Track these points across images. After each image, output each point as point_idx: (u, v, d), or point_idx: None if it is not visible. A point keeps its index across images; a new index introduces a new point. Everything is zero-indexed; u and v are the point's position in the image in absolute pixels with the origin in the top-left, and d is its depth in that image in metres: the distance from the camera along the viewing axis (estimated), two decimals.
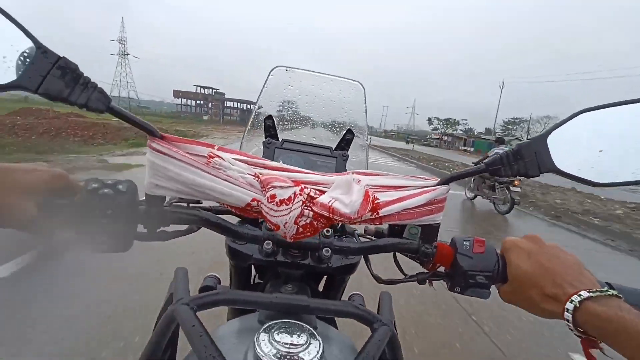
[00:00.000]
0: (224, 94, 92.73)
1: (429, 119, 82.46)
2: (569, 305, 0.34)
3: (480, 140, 51.00)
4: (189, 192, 0.38)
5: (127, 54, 75.06)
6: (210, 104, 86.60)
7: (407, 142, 48.81)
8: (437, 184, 0.43)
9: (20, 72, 0.31)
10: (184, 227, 0.45)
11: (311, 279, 0.57)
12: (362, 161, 0.77)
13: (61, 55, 0.32)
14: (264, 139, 0.70)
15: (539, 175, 0.39)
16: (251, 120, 0.78)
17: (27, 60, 0.31)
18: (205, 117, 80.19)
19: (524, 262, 0.40)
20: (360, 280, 0.56)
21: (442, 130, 72.05)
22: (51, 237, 0.36)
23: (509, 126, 70.52)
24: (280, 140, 0.71)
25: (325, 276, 0.61)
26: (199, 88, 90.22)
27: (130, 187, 0.39)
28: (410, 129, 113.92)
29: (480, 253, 0.42)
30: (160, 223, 0.41)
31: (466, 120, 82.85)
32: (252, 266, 0.62)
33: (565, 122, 0.39)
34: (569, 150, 0.38)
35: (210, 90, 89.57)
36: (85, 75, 0.33)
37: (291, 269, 0.51)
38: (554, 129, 0.39)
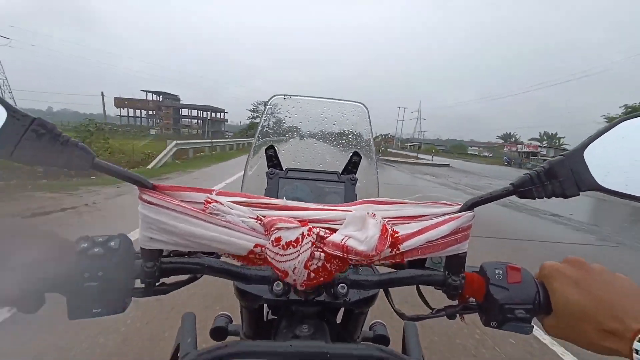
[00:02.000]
0: (178, 99, 69.21)
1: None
2: (638, 345, 0.30)
3: None
4: (186, 244, 0.36)
5: None
6: (162, 114, 63.52)
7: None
8: (461, 210, 0.40)
9: None
10: (185, 276, 0.43)
11: (328, 312, 0.54)
12: (372, 184, 0.75)
13: (35, 117, 0.30)
14: (266, 170, 0.69)
15: (578, 195, 0.36)
16: (252, 151, 0.77)
17: None
18: (152, 132, 57.34)
19: (571, 292, 0.35)
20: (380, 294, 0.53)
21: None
22: (39, 307, 0.34)
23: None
24: (284, 169, 0.70)
25: (343, 308, 0.59)
26: (148, 94, 66.59)
27: (123, 242, 0.37)
28: (419, 137, 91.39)
29: (516, 283, 0.39)
30: (159, 277, 0.39)
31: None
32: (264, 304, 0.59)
33: (603, 133, 0.35)
34: (612, 164, 0.34)
35: (159, 96, 66.01)
36: (64, 133, 0.31)
37: (305, 306, 0.48)
38: (591, 141, 0.35)
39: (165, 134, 52.57)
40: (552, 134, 71.54)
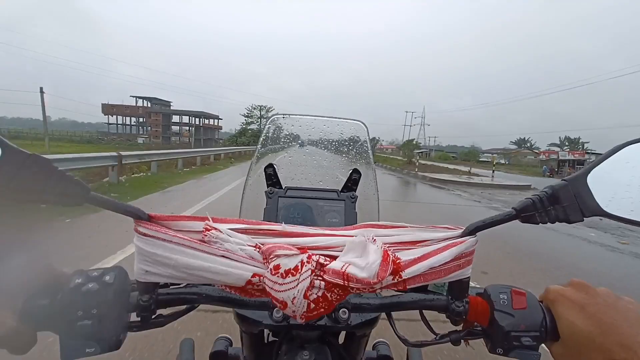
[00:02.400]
0: (169, 105, 64.64)
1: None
2: None
3: None
4: (182, 277, 0.35)
5: None
6: (149, 121, 58.78)
7: None
8: (463, 235, 0.39)
9: None
10: (183, 306, 0.42)
11: (330, 335, 0.54)
12: (372, 201, 0.76)
13: (30, 152, 0.30)
14: (266, 189, 0.70)
15: (582, 220, 0.35)
16: (251, 170, 0.77)
17: None
18: (140, 140, 52.81)
19: (577, 318, 0.34)
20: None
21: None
22: (30, 347, 0.33)
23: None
24: (283, 188, 0.70)
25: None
26: (138, 100, 62.15)
27: (118, 275, 0.36)
28: (426, 144, 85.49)
29: (522, 309, 0.38)
30: (156, 309, 0.39)
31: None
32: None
33: (606, 158, 0.35)
34: (616, 190, 0.34)
35: (148, 103, 61.42)
36: (59, 168, 0.31)
37: (306, 330, 0.48)
38: (594, 167, 0.35)
39: (154, 142, 48.00)
40: (574, 138, 65.80)
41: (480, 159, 65.74)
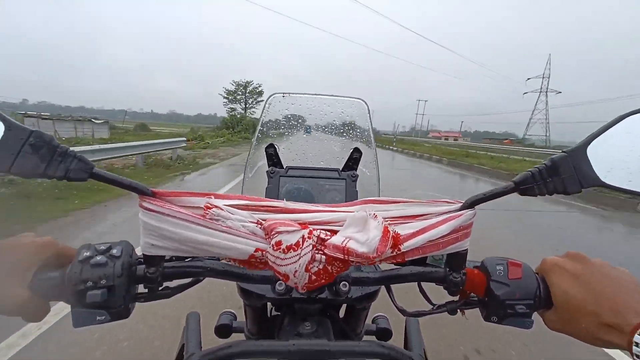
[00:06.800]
0: None
1: None
2: (638, 338, 0.30)
3: None
4: (187, 250, 0.37)
5: None
6: None
7: None
8: (462, 208, 0.40)
9: None
10: (188, 279, 0.44)
11: (331, 308, 0.56)
12: (372, 180, 0.77)
13: (33, 129, 0.31)
14: (267, 169, 0.71)
15: (580, 192, 0.36)
16: (251, 150, 0.78)
17: None
18: None
19: (571, 286, 0.36)
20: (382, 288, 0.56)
21: None
22: (44, 315, 0.35)
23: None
24: (284, 167, 0.72)
25: (346, 304, 0.61)
26: None
27: (125, 249, 0.38)
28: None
29: (517, 279, 0.40)
30: (162, 281, 0.40)
31: None
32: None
33: (607, 129, 0.35)
34: (615, 160, 0.35)
35: None
36: (62, 145, 0.32)
37: (308, 303, 0.50)
38: (595, 138, 0.35)
39: None
40: None
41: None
